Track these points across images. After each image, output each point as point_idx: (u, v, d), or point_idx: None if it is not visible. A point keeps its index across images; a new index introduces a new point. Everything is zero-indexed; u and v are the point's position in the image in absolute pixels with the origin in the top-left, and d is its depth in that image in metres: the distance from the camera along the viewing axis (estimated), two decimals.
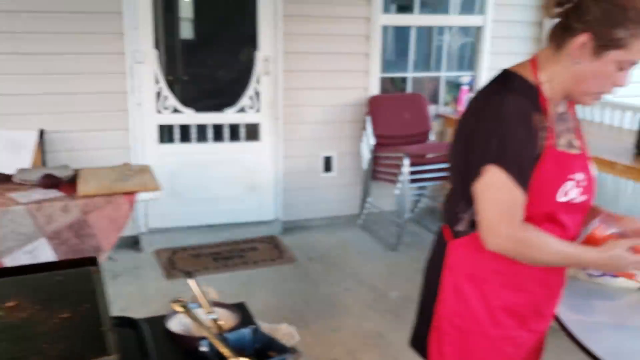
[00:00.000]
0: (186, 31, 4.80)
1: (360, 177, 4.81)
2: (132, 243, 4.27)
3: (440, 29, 5.05)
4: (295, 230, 4.71)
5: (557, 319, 1.65)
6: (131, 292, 3.61)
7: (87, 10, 3.87)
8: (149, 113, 4.18)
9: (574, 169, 1.44)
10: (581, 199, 1.47)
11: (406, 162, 4.21)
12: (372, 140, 4.55)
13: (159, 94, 4.19)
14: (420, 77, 5.14)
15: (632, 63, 1.37)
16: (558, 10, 1.39)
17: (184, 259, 4.07)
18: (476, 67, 5.02)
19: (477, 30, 4.98)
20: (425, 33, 5.12)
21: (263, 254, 4.20)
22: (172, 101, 4.23)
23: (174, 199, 4.34)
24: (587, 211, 1.54)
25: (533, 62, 1.46)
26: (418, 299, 1.71)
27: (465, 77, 5.02)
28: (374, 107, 4.62)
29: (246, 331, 1.63)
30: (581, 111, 4.92)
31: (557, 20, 1.42)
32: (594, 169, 1.54)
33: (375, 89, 4.71)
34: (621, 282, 1.86)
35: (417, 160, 4.28)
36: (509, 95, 1.39)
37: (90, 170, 2.92)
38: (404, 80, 5.03)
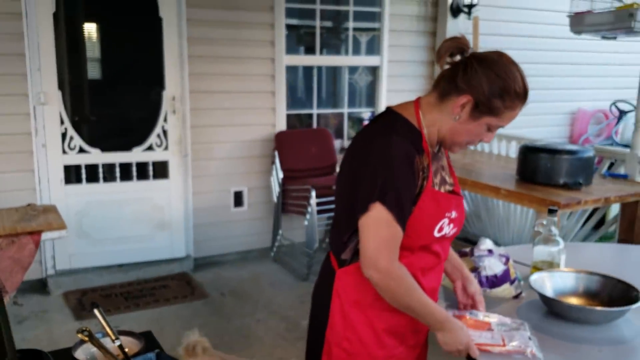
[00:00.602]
0: (93, 72, 4.82)
1: (271, 211, 4.95)
2: (40, 286, 4.18)
3: (348, 69, 5.34)
4: (208, 265, 4.77)
5: None
6: (38, 336, 3.53)
7: None
8: (54, 154, 4.16)
9: (450, 208, 1.59)
10: (452, 232, 1.64)
11: (313, 194, 4.40)
12: (281, 174, 4.72)
13: (64, 135, 4.18)
14: (325, 114, 5.40)
15: (500, 126, 1.55)
16: (449, 60, 1.53)
17: (94, 300, 4.02)
18: (375, 103, 5.35)
19: (375, 70, 5.33)
20: (330, 72, 5.41)
21: (174, 291, 4.23)
22: (78, 141, 4.23)
23: (82, 240, 4.31)
24: (453, 239, 1.70)
25: (417, 106, 1.58)
26: (308, 325, 1.81)
27: (366, 113, 5.34)
28: (282, 142, 4.81)
29: (151, 355, 1.72)
30: None
31: (445, 69, 1.54)
32: (463, 204, 1.71)
33: (282, 125, 4.90)
34: (496, 292, 2.07)
35: (324, 191, 4.47)
36: (395, 137, 1.50)
37: None
38: (310, 116, 5.27)
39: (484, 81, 1.47)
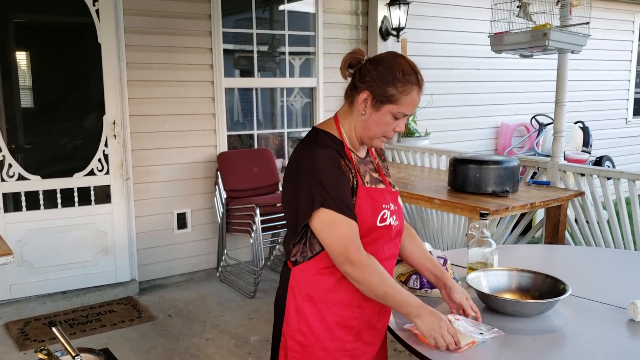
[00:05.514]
0: (31, 98, 4.76)
1: (215, 231, 5.00)
2: None
3: (283, 90, 5.49)
4: (153, 288, 4.77)
5: (390, 330, 1.95)
6: None
7: None
8: None
9: (386, 200, 1.77)
10: (395, 223, 1.80)
11: (258, 212, 4.49)
12: (224, 195, 4.79)
13: (2, 162, 4.12)
14: (265, 134, 5.52)
15: (404, 114, 1.70)
16: (349, 71, 1.74)
17: (38, 329, 3.96)
18: (314, 123, 5.51)
19: (312, 91, 5.52)
20: (268, 94, 5.55)
21: (121, 316, 4.21)
22: (17, 168, 4.18)
23: (23, 269, 4.24)
24: (401, 234, 1.87)
25: (336, 119, 1.78)
26: (273, 329, 1.91)
27: (305, 132, 5.48)
28: (224, 163, 4.88)
29: None
30: (405, 157, 5.57)
31: (349, 80, 1.75)
32: (399, 200, 1.88)
33: (224, 146, 4.99)
34: (437, 292, 2.22)
35: (268, 209, 4.57)
36: (317, 149, 1.68)
37: None
38: (251, 137, 5.37)
39: (375, 75, 1.66)
